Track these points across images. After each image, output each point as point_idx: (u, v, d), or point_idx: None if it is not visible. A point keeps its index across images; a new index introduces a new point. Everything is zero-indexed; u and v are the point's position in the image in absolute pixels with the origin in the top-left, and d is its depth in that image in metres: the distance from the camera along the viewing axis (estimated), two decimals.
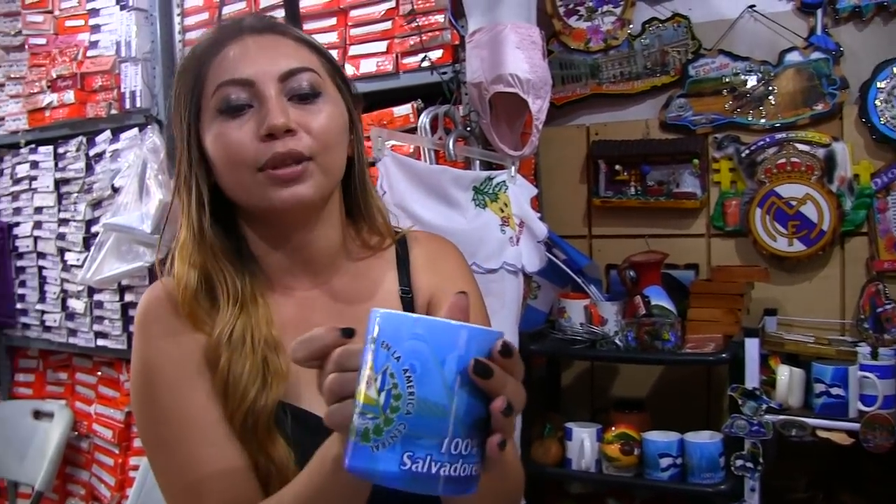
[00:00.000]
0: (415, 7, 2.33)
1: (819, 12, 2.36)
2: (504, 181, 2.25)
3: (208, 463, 0.92)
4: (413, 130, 2.26)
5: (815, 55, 2.36)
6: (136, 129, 2.70)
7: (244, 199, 0.98)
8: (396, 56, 2.37)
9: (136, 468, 2.78)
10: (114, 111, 2.76)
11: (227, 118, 0.96)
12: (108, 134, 2.79)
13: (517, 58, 2.14)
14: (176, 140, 1.02)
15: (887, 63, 2.30)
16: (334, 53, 1.92)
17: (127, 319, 2.79)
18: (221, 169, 0.97)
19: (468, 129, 2.27)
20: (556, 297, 2.47)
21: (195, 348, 0.95)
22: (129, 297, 2.77)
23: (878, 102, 2.30)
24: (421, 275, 1.10)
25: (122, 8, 2.72)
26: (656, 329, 2.18)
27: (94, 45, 2.86)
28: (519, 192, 2.30)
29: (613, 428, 2.23)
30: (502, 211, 2.25)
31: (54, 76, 2.91)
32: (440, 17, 2.30)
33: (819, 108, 2.37)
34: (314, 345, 0.72)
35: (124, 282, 2.74)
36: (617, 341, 2.24)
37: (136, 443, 2.88)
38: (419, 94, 2.36)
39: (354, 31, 2.44)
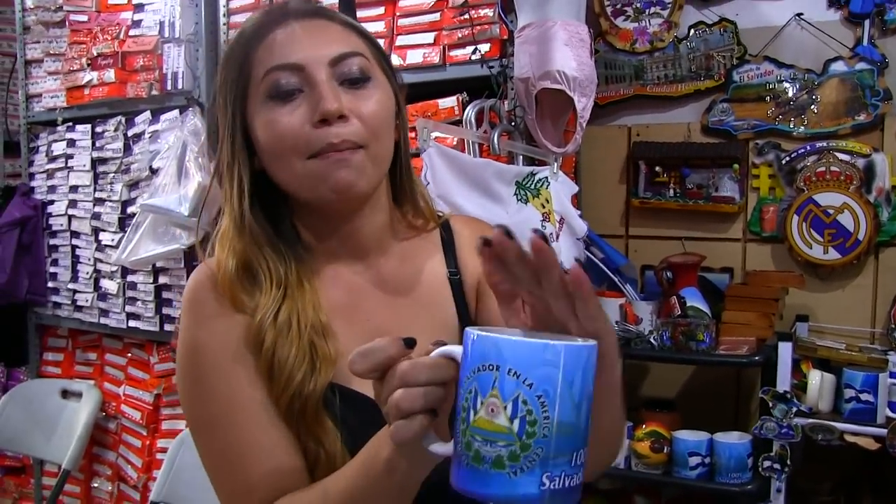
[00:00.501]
0: (466, 0, 2.43)
1: (867, 23, 2.47)
2: (546, 177, 2.34)
3: (254, 443, 0.95)
4: (457, 123, 2.35)
5: (860, 65, 2.47)
6: (176, 111, 2.78)
7: (293, 187, 1.01)
8: (444, 48, 2.46)
9: (163, 450, 2.85)
10: (154, 92, 2.85)
11: (277, 103, 0.98)
12: (147, 115, 2.87)
13: (565, 55, 2.23)
14: (220, 127, 1.05)
15: None
16: (381, 43, 2.04)
17: (160, 301, 2.88)
18: (270, 155, 1.00)
19: (513, 123, 2.37)
20: None
21: (240, 330, 0.98)
22: (163, 279, 2.86)
23: None
24: (468, 256, 1.14)
25: None
26: (691, 329, 2.29)
27: (136, 24, 2.93)
28: (560, 188, 2.41)
29: (644, 426, 2.34)
30: (543, 207, 2.35)
31: (95, 54, 3.00)
32: (489, 11, 2.39)
33: (861, 118, 2.47)
34: (377, 357, 0.73)
35: (159, 264, 2.83)
36: (652, 340, 2.35)
37: (165, 425, 2.98)
38: (464, 87, 2.46)
39: (403, 21, 2.53)
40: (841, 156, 2.47)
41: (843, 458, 2.30)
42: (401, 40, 2.55)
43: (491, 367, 0.67)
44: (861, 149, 2.46)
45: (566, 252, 2.38)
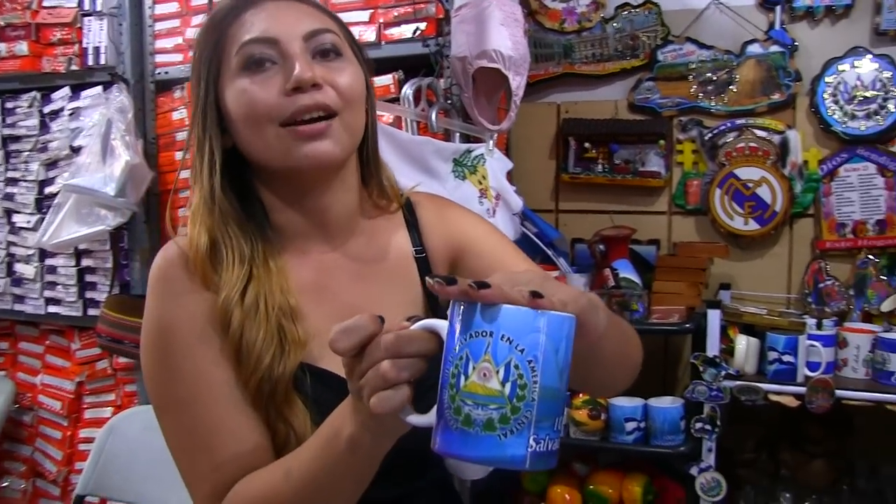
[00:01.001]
0: None
1: (778, 9, 2.66)
2: (482, 154, 2.41)
3: (220, 424, 0.97)
4: (393, 101, 2.39)
5: (774, 48, 2.65)
6: (99, 88, 2.71)
7: (265, 158, 1.03)
8: (379, 26, 2.49)
9: (87, 441, 2.81)
10: (74, 67, 2.76)
11: (250, 74, 1.01)
12: (66, 91, 2.78)
13: (501, 34, 2.30)
14: (192, 105, 1.07)
15: (834, 60, 2.61)
16: None
17: (83, 285, 2.82)
18: (242, 125, 1.02)
19: (449, 101, 2.43)
20: None
21: (207, 309, 0.99)
22: (86, 262, 2.80)
23: (825, 96, 2.61)
24: (433, 236, 1.17)
25: None
26: (626, 300, 2.42)
27: None
28: (496, 165, 2.48)
29: (581, 394, 2.46)
30: (480, 183, 2.42)
31: (2, 24, 2.87)
32: None
33: (776, 97, 2.66)
34: (360, 334, 0.74)
35: (82, 246, 2.77)
36: None
37: (88, 414, 2.92)
38: (400, 65, 2.50)
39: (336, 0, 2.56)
40: (758, 132, 2.66)
41: (763, 416, 2.49)
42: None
43: (484, 334, 0.70)
44: (776, 126, 2.65)
45: (503, 227, 2.45)
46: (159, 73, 2.73)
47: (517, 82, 2.37)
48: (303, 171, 1.03)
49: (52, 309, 2.90)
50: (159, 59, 2.74)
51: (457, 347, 0.72)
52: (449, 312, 0.74)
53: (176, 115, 2.72)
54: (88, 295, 2.83)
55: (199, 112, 1.05)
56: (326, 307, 1.06)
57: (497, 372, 0.70)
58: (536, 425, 0.70)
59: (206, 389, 0.98)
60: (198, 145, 1.05)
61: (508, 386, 0.70)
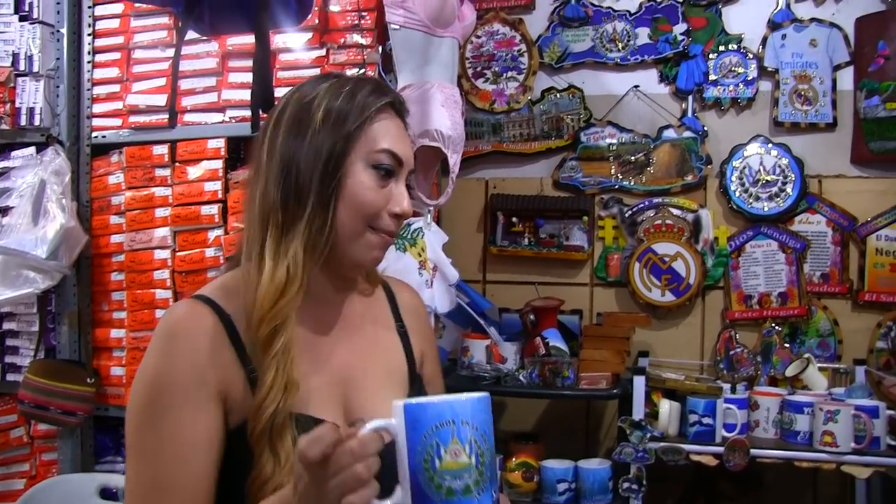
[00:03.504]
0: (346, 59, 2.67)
1: (690, 98, 3.04)
2: (421, 227, 2.61)
3: (175, 483, 1.10)
4: None
5: (687, 134, 3.00)
6: (32, 149, 2.78)
7: (342, 237, 1.20)
8: None
9: None
10: (5, 126, 2.81)
11: (377, 176, 1.21)
12: None
13: (442, 115, 2.51)
14: (303, 149, 1.20)
15: (739, 147, 2.99)
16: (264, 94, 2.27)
17: (4, 349, 2.83)
18: (347, 206, 1.19)
19: None
20: (459, 336, 2.88)
21: (221, 379, 1.15)
22: (8, 325, 2.82)
23: (733, 178, 2.97)
24: (410, 318, 1.41)
25: (24, 20, 2.81)
26: (557, 367, 2.64)
27: None
28: (433, 238, 2.67)
29: (514, 458, 2.66)
30: (420, 255, 2.61)
31: None
32: (370, 71, 2.65)
33: (689, 178, 3.00)
34: (326, 442, 0.90)
35: (5, 308, 2.79)
36: (521, 378, 2.68)
37: None
38: None
39: (282, 74, 2.72)
40: (674, 210, 2.99)
41: (681, 476, 2.75)
42: (280, 92, 2.71)
43: (448, 423, 0.93)
44: (690, 205, 2.98)
45: (440, 297, 2.63)
46: (96, 137, 2.83)
47: (454, 160, 2.57)
48: (361, 265, 1.26)
49: None
50: (96, 122, 2.83)
51: (425, 439, 0.93)
52: (400, 418, 0.94)
53: (112, 179, 2.82)
54: (9, 359, 2.84)
55: (321, 168, 1.19)
56: (321, 364, 1.24)
57: (464, 449, 0.93)
58: (493, 480, 0.96)
59: (172, 448, 1.11)
60: (311, 213, 1.18)
61: (474, 457, 0.94)
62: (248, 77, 2.64)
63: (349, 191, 1.19)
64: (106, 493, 2.26)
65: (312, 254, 1.19)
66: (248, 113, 2.50)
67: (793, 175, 2.94)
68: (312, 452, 0.90)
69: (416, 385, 1.35)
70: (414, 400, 0.95)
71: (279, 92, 2.69)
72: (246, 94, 2.56)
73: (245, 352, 1.17)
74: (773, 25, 3.02)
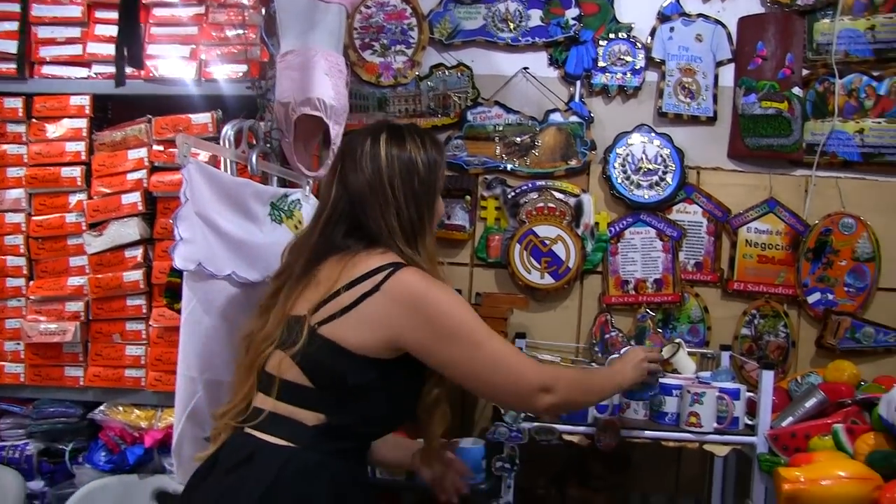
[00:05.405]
0: (226, 19, 2.61)
1: (578, 83, 3.12)
2: (299, 199, 2.58)
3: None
4: (210, 139, 2.51)
5: (573, 118, 3.08)
6: None
7: (418, 238, 1.71)
8: (200, 63, 2.61)
9: None
10: None
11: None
12: None
13: (325, 84, 2.48)
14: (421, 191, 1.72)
15: (624, 134, 3.09)
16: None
17: None
18: (435, 219, 1.78)
19: (269, 145, 2.58)
20: None
21: None
22: None
23: (616, 165, 3.07)
24: None
25: None
26: None
27: None
28: (311, 210, 2.64)
29: None
30: (296, 228, 2.58)
31: None
32: (251, 33, 2.60)
33: (573, 163, 3.08)
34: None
35: None
36: None
37: None
38: (219, 104, 2.63)
39: (156, 31, 2.65)
40: (557, 194, 3.06)
41: (552, 455, 2.83)
42: (153, 49, 2.64)
43: None
44: (572, 189, 3.06)
45: None
46: None
47: (336, 131, 2.55)
48: None
49: None
50: None
51: None
52: None
53: None
54: None
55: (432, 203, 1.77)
56: None
57: None
58: None
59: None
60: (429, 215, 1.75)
61: None
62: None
63: (437, 212, 1.82)
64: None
65: None
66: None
67: (673, 165, 3.06)
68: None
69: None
70: None
71: (157, 50, 2.64)
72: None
73: None
74: (663, 17, 3.14)
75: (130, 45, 2.32)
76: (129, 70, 2.44)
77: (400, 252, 1.67)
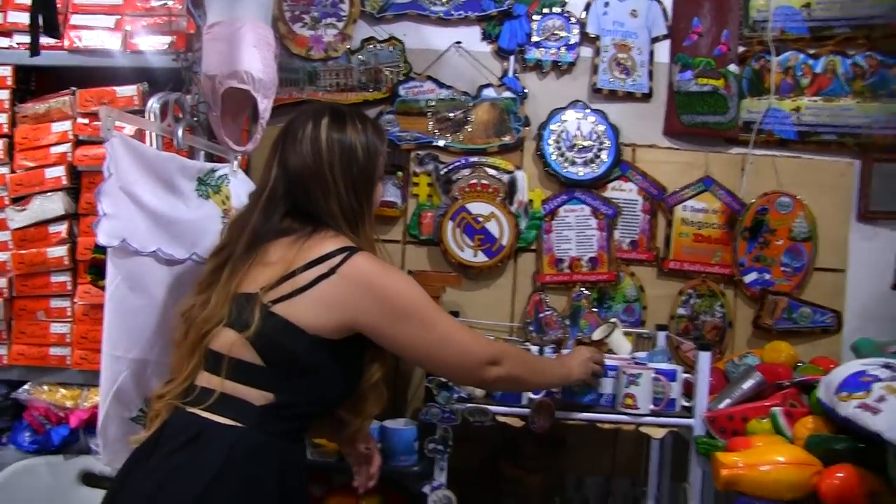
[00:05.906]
0: None
1: (512, 58, 3.11)
2: (226, 174, 2.53)
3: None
4: (135, 112, 2.46)
5: (507, 94, 3.07)
6: None
7: (359, 222, 1.78)
8: (125, 34, 2.55)
9: None
10: None
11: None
12: None
13: (253, 56, 2.44)
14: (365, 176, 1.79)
15: (558, 110, 3.09)
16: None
17: None
18: (374, 205, 1.86)
19: (195, 119, 2.54)
20: None
21: None
22: None
23: (550, 142, 3.07)
24: None
25: None
26: None
27: None
28: (240, 186, 2.61)
29: None
30: (224, 203, 2.54)
31: None
32: (177, 4, 2.55)
33: (506, 139, 3.08)
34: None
35: None
36: None
37: None
38: (144, 77, 2.57)
39: (80, 0, 2.58)
40: (490, 171, 3.05)
41: (485, 437, 2.84)
42: (76, 20, 2.58)
43: None
44: (506, 166, 3.06)
45: None
46: None
47: (264, 105, 2.52)
48: None
49: None
50: None
51: None
52: None
53: None
54: None
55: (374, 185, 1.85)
56: None
57: None
58: None
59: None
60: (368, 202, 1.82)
61: None
62: None
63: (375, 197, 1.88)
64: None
65: None
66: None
67: (608, 142, 3.08)
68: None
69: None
70: None
71: (81, 20, 2.57)
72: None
73: None
74: None
75: (46, 13, 2.25)
76: (49, 41, 2.39)
77: (347, 236, 1.74)
